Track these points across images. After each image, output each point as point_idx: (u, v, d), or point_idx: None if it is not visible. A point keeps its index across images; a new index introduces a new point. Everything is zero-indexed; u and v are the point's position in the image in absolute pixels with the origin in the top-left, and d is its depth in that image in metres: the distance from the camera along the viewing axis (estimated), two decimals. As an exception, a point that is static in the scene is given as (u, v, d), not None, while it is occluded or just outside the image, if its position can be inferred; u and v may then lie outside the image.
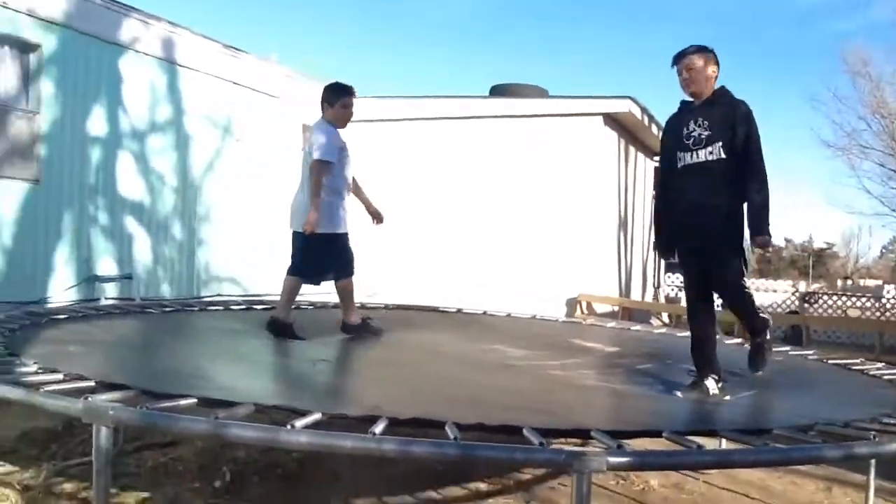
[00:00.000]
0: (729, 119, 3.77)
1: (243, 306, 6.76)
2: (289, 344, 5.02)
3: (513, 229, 10.98)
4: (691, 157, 3.83)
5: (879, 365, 5.18)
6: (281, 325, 5.19)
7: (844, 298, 16.49)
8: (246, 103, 10.25)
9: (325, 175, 5.00)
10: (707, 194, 3.78)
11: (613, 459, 2.22)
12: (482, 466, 5.03)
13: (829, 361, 5.30)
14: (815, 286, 18.51)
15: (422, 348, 5.32)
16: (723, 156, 3.74)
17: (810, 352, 5.79)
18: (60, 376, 3.00)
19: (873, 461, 3.80)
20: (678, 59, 3.93)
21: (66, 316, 5.38)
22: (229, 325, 5.75)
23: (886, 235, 47.31)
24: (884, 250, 53.96)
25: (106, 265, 8.43)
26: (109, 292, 8.36)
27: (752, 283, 14.85)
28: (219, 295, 9.37)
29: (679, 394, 3.94)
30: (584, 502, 2.19)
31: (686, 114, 3.96)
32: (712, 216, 3.77)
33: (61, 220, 7.97)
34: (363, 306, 7.49)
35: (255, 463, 5.06)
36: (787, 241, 59.40)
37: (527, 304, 10.23)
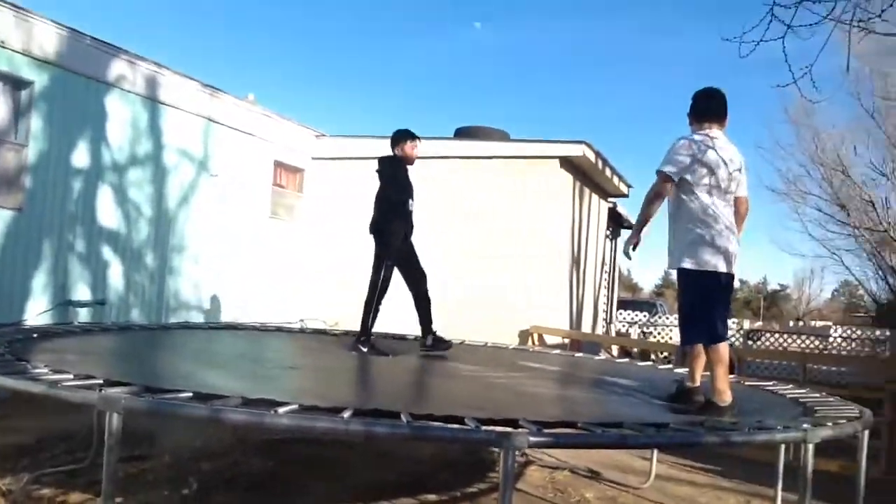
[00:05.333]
0: None
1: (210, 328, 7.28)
2: (263, 353, 5.53)
3: (474, 264, 11.57)
4: (411, 205, 6.38)
5: (788, 386, 5.85)
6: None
7: (786, 336, 17.34)
8: (222, 140, 10.81)
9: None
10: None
11: (534, 438, 2.79)
12: (435, 482, 5.57)
13: (746, 383, 5.95)
14: (757, 324, 19.33)
15: (387, 363, 5.90)
16: None
17: (732, 377, 6.45)
18: (71, 375, 3.48)
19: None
20: (419, 138, 6.47)
21: (53, 332, 5.84)
22: (206, 340, 6.26)
23: (838, 279, 48.93)
24: (834, 293, 55.78)
25: (81, 291, 8.83)
26: (83, 317, 8.73)
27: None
28: (185, 323, 9.79)
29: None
30: (509, 476, 2.75)
31: (407, 175, 6.44)
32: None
33: (41, 246, 8.37)
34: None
35: (221, 475, 5.52)
36: (742, 281, 61.07)
37: (484, 334, 10.80)
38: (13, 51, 7.89)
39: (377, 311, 6.20)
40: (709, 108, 4.37)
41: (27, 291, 8.24)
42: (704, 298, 4.23)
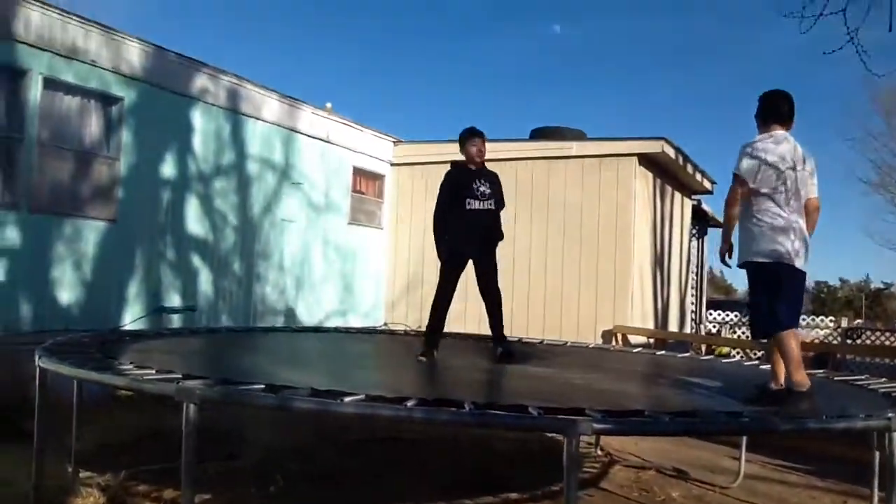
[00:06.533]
0: (497, 186, 6.01)
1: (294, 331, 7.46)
2: (341, 353, 5.64)
3: (554, 265, 11.53)
4: (479, 204, 5.86)
5: (881, 380, 5.56)
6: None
7: (888, 334, 16.48)
8: (303, 149, 11.10)
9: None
10: (490, 226, 5.96)
11: (598, 426, 2.75)
12: (516, 481, 5.54)
13: (835, 378, 5.70)
14: (857, 322, 18.48)
15: (462, 364, 5.90)
16: (493, 207, 5.94)
17: (821, 372, 6.19)
18: (154, 370, 3.65)
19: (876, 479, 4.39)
20: (481, 135, 5.97)
21: (143, 335, 6.13)
22: (287, 342, 6.43)
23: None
24: (944, 290, 52.82)
25: (172, 298, 9.20)
26: (175, 323, 9.09)
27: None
28: (270, 326, 10.06)
29: None
30: (573, 463, 2.71)
31: (471, 175, 5.92)
32: (493, 238, 6.03)
33: (134, 256, 8.76)
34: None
35: (306, 473, 5.65)
36: (843, 280, 58.47)
37: (567, 334, 10.71)
38: (103, 69, 8.30)
39: (433, 316, 6.05)
40: (774, 109, 4.50)
41: (122, 299, 8.63)
42: (767, 290, 4.32)
